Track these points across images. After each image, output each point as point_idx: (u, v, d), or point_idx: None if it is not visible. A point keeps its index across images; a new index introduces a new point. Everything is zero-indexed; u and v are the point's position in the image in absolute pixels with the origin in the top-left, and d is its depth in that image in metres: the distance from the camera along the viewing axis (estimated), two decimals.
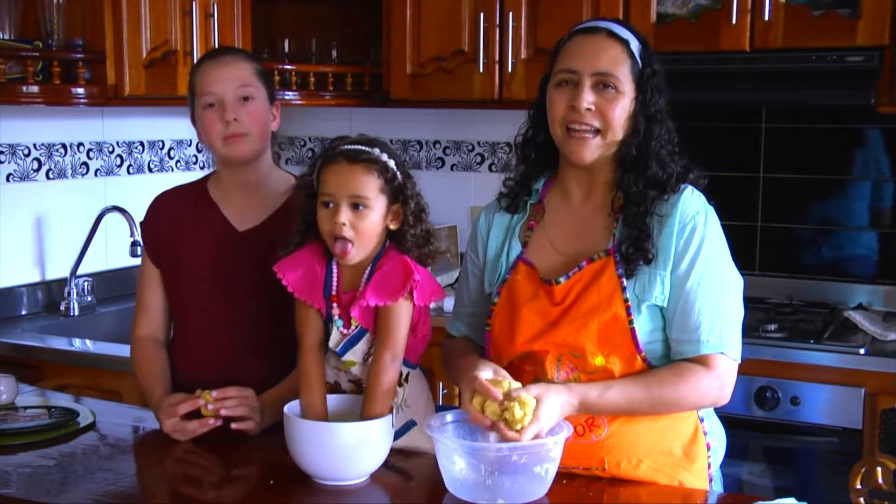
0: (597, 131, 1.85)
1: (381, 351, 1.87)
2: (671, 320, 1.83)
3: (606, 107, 1.84)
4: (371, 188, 1.86)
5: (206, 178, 2.28)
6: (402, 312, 1.87)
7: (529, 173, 1.99)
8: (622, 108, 1.85)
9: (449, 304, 3.22)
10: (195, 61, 2.37)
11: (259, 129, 2.15)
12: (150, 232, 2.26)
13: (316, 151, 4.19)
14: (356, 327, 1.90)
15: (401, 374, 1.93)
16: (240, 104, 2.12)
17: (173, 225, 2.22)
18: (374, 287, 1.87)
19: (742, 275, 1.91)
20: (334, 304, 1.90)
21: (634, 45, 1.88)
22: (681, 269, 1.82)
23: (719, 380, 1.82)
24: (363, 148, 1.88)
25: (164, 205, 2.28)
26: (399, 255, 1.90)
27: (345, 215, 1.84)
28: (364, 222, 1.86)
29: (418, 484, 1.92)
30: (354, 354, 1.91)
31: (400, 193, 1.90)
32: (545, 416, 1.69)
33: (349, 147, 1.88)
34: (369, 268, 1.90)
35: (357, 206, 1.85)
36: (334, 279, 1.91)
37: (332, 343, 1.91)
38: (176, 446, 1.99)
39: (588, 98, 1.84)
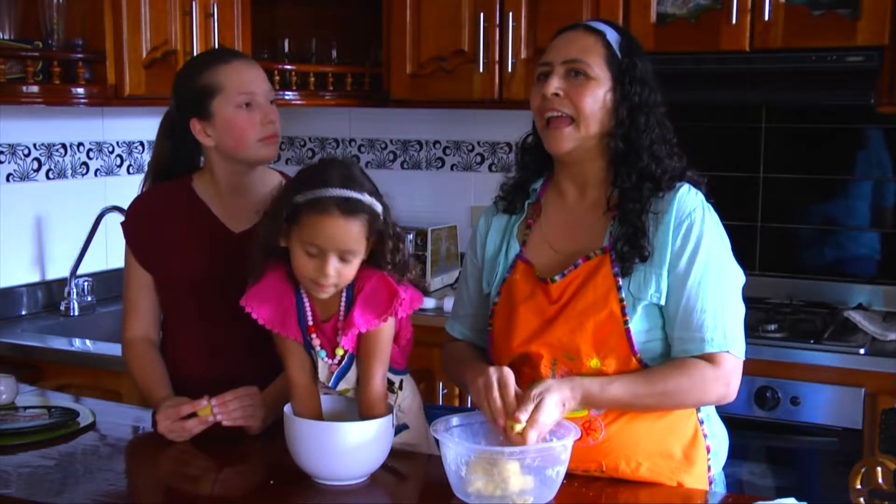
0: (571, 119, 1.86)
1: (369, 371, 1.84)
2: (673, 319, 1.83)
3: (575, 92, 1.85)
4: (361, 240, 1.79)
5: (189, 177, 2.23)
6: (387, 332, 1.85)
7: (526, 177, 2.00)
8: (594, 97, 1.85)
9: (449, 303, 3.23)
10: (200, 60, 2.32)
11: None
12: (135, 234, 2.21)
13: (316, 152, 4.20)
14: (343, 355, 1.86)
15: (393, 383, 1.93)
16: (271, 106, 2.13)
17: (161, 226, 2.18)
18: (360, 311, 1.82)
19: (743, 271, 1.91)
20: (313, 335, 1.86)
21: (611, 35, 1.89)
22: (680, 268, 1.82)
23: (724, 377, 1.82)
24: (356, 196, 1.77)
25: (147, 205, 2.23)
26: (374, 270, 1.85)
27: (333, 267, 1.77)
28: (348, 269, 1.80)
29: (418, 484, 1.92)
30: (347, 382, 1.89)
31: (381, 232, 1.82)
32: (545, 417, 1.69)
33: (341, 195, 1.76)
34: (345, 291, 1.85)
35: (344, 259, 1.79)
36: (307, 308, 1.86)
37: (322, 377, 1.88)
38: (175, 446, 1.98)
39: (555, 84, 1.86)
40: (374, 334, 1.84)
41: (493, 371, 1.74)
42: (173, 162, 2.23)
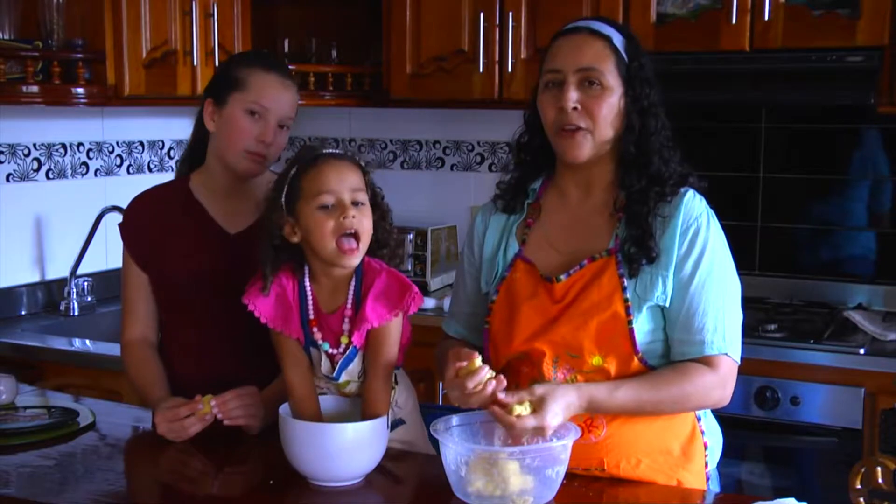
0: (587, 130, 1.85)
1: (378, 368, 1.84)
2: (674, 321, 1.84)
3: (592, 104, 1.84)
4: (363, 186, 1.84)
5: (186, 178, 2.22)
6: (396, 328, 1.86)
7: (525, 176, 1.99)
8: (609, 105, 1.85)
9: (448, 304, 3.22)
10: (250, 56, 2.32)
11: (277, 156, 2.17)
12: (132, 235, 2.21)
13: None
14: (347, 345, 1.86)
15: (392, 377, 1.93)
16: (278, 129, 2.13)
17: (157, 227, 2.18)
18: (372, 306, 1.82)
19: (741, 276, 1.92)
20: (314, 329, 1.86)
21: (617, 39, 1.88)
22: (685, 271, 1.83)
23: (722, 380, 1.83)
24: (340, 151, 1.88)
25: (145, 206, 2.23)
26: (381, 265, 1.87)
27: (352, 210, 1.80)
28: (366, 220, 1.82)
29: (416, 484, 1.92)
30: (350, 374, 1.89)
31: (374, 193, 1.89)
32: (550, 414, 1.68)
33: (327, 150, 1.86)
34: (353, 283, 1.86)
35: (356, 203, 1.82)
36: (310, 301, 1.87)
37: (324, 369, 1.87)
38: (174, 447, 1.98)
39: (573, 97, 1.84)
40: (383, 331, 1.84)
41: (451, 356, 1.74)
42: (202, 146, 2.23)
